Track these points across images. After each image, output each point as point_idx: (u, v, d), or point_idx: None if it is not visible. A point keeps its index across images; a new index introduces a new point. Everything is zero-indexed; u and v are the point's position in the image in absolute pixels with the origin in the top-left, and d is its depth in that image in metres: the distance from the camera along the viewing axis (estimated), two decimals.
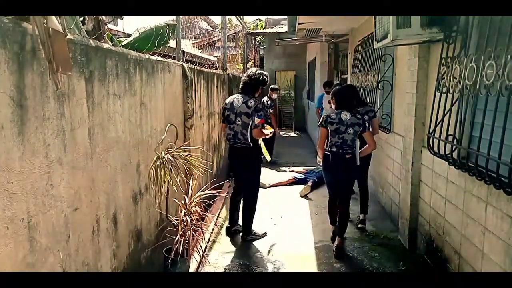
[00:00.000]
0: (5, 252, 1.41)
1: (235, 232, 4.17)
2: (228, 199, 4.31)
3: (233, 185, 4.22)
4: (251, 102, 3.77)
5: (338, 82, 7.14)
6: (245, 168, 3.99)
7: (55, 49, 1.49)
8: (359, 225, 4.33)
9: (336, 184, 3.76)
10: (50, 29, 1.46)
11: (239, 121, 3.79)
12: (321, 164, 3.78)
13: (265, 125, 4.18)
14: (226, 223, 4.32)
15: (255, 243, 3.97)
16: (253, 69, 4.06)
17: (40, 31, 1.45)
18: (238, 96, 3.92)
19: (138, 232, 2.69)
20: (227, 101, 3.99)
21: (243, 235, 4.06)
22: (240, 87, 3.99)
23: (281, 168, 7.33)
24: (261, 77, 3.93)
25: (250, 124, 3.76)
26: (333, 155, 3.57)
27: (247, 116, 3.75)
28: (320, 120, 3.66)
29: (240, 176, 4.15)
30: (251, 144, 3.82)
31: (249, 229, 4.07)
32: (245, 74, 4.03)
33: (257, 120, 3.75)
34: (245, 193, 4.08)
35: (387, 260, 3.55)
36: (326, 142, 3.65)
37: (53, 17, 1.49)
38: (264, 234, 4.14)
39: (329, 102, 4.31)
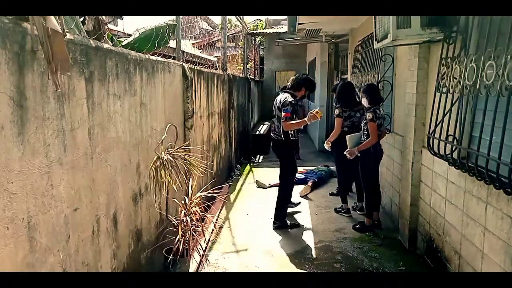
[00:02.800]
0: (5, 252, 1.41)
1: None
2: (228, 199, 4.34)
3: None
4: (282, 98, 4.22)
5: (338, 82, 7.21)
6: (279, 158, 4.47)
7: (54, 50, 1.49)
8: (358, 212, 4.76)
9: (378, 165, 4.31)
10: (49, 29, 1.46)
11: (276, 115, 4.28)
12: (352, 157, 4.18)
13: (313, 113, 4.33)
14: (227, 223, 4.30)
15: (255, 243, 3.97)
16: (302, 74, 4.65)
17: (39, 31, 1.45)
18: (282, 94, 4.39)
19: (138, 232, 2.70)
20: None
21: (273, 221, 4.42)
22: None
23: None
24: (304, 77, 4.45)
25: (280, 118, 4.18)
26: (378, 143, 4.15)
27: (279, 110, 4.21)
28: (372, 117, 3.99)
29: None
30: (282, 137, 4.23)
31: (278, 216, 4.37)
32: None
33: (282, 114, 4.12)
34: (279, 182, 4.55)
35: (387, 260, 3.55)
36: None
37: (52, 17, 1.50)
38: (293, 225, 4.40)
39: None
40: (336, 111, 4.65)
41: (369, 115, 3.98)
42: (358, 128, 4.53)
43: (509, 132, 2.15)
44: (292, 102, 4.11)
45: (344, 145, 4.32)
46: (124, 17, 3.70)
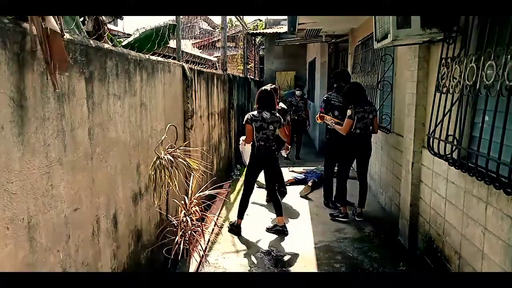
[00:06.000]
0: (5, 252, 1.41)
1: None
2: (228, 199, 4.34)
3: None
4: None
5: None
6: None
7: (52, 50, 1.49)
8: (357, 218, 4.58)
9: None
10: (48, 29, 1.46)
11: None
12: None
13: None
14: (227, 223, 4.30)
15: (255, 243, 3.97)
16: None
17: (38, 31, 1.45)
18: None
19: (138, 232, 2.69)
20: None
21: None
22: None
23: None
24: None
25: None
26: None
27: None
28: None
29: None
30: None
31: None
32: None
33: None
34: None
35: (387, 260, 3.55)
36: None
37: (51, 17, 1.50)
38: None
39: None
40: (349, 112, 4.34)
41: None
42: (369, 130, 4.49)
43: (509, 132, 2.15)
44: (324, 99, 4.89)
45: (351, 144, 4.40)
46: (124, 17, 3.70)
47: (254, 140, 4.10)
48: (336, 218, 4.56)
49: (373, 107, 4.52)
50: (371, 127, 4.50)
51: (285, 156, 5.36)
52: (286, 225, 4.31)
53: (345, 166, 4.68)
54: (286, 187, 6.10)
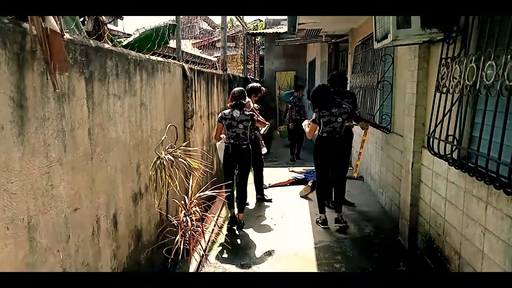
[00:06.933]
0: (5, 252, 1.41)
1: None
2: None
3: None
4: None
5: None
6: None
7: (52, 50, 1.49)
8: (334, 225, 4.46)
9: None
10: (48, 29, 1.46)
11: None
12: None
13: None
14: (227, 223, 4.31)
15: (255, 243, 3.97)
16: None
17: (38, 31, 1.45)
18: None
19: (138, 232, 2.70)
20: None
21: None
22: None
23: (281, 168, 7.33)
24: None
25: None
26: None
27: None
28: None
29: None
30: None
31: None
32: None
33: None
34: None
35: (387, 260, 3.55)
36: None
37: (51, 18, 1.50)
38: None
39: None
40: (313, 115, 4.31)
41: None
42: (339, 134, 4.23)
43: (509, 132, 2.15)
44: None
45: (318, 148, 4.35)
46: (124, 17, 3.70)
47: (226, 137, 4.22)
48: (318, 224, 4.42)
49: (343, 109, 4.18)
50: (348, 129, 4.54)
51: (264, 152, 5.37)
52: (286, 224, 4.32)
53: (319, 170, 4.50)
54: (287, 186, 6.11)
